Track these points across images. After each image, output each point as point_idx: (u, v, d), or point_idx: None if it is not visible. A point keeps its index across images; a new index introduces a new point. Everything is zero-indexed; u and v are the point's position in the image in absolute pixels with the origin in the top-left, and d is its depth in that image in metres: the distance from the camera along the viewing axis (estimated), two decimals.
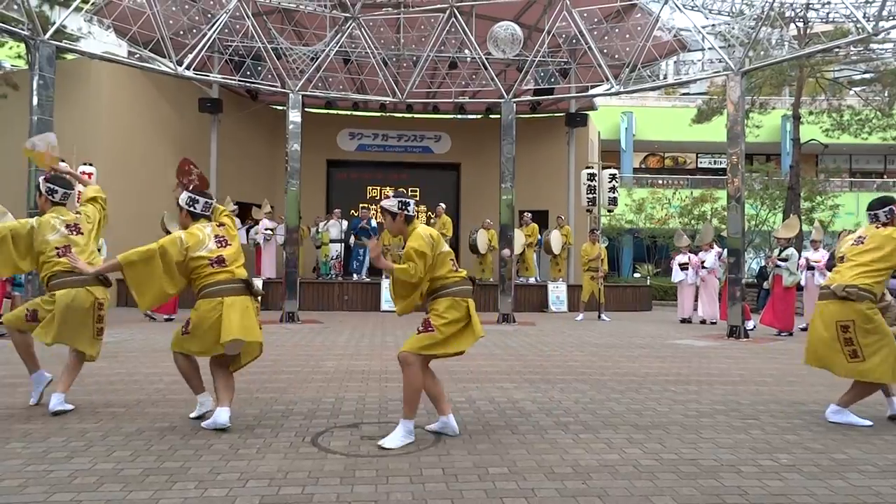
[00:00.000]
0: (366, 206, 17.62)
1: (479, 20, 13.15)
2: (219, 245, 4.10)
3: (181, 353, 4.16)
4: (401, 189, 19.50)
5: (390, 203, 3.95)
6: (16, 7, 9.02)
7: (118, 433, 3.87)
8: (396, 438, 3.73)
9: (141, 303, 4.01)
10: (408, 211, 3.95)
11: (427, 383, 3.91)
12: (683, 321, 12.82)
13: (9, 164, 12.85)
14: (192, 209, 4.19)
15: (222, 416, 3.95)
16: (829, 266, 10.02)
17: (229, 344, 3.90)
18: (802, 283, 11.35)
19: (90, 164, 13.72)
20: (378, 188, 20.01)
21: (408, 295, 3.93)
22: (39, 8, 13.51)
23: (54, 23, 10.29)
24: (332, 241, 15.51)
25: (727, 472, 3.33)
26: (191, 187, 4.63)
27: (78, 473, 3.15)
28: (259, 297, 4.24)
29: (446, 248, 3.96)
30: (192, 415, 4.26)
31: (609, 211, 14.82)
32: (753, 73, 14.83)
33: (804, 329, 11.42)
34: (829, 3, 17.36)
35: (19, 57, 17.46)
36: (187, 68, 11.25)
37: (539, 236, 15.78)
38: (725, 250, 11.28)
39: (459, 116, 20.68)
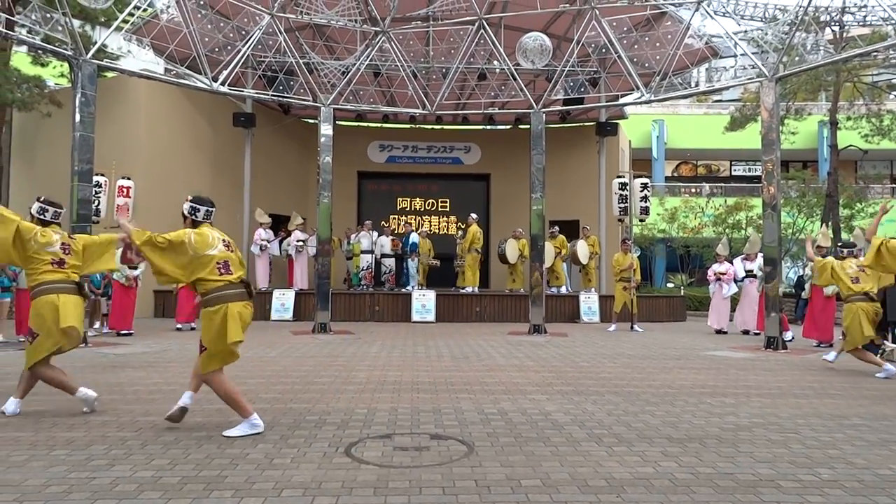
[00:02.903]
0: (408, 221, 17.70)
1: (507, 31, 13.20)
2: (63, 251, 4.70)
3: (41, 364, 4.57)
4: (425, 197, 19.80)
5: (186, 206, 4.30)
6: (60, 28, 9.34)
7: (157, 442, 3.95)
8: (240, 430, 4.11)
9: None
10: (195, 217, 4.28)
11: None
12: (719, 332, 12.59)
13: (53, 178, 13.28)
14: (42, 217, 4.78)
15: (11, 405, 4.56)
16: None
17: (68, 329, 4.50)
18: None
19: (128, 178, 14.08)
20: (408, 199, 20.16)
21: (163, 267, 4.12)
22: (82, 28, 13.98)
23: (96, 42, 10.65)
24: (363, 252, 15.66)
25: (766, 487, 3.26)
26: None
27: (119, 481, 3.24)
28: (86, 299, 4.86)
29: (215, 252, 4.16)
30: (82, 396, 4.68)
31: (641, 220, 14.68)
32: (788, 78, 14.59)
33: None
34: (865, 6, 17.00)
35: (62, 76, 18.08)
36: (222, 84, 11.52)
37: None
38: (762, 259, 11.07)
39: (489, 127, 20.72)
